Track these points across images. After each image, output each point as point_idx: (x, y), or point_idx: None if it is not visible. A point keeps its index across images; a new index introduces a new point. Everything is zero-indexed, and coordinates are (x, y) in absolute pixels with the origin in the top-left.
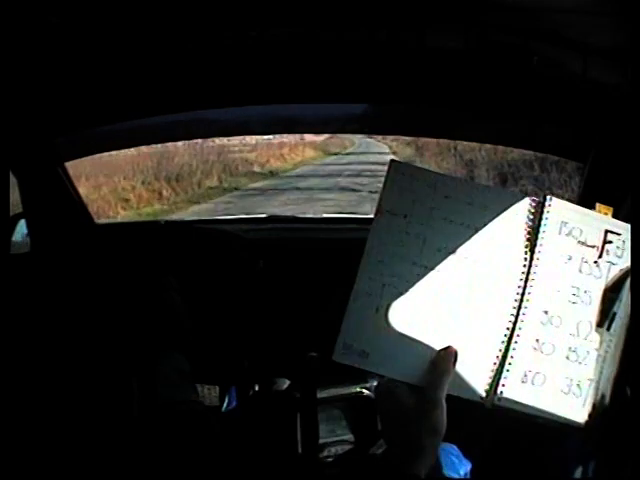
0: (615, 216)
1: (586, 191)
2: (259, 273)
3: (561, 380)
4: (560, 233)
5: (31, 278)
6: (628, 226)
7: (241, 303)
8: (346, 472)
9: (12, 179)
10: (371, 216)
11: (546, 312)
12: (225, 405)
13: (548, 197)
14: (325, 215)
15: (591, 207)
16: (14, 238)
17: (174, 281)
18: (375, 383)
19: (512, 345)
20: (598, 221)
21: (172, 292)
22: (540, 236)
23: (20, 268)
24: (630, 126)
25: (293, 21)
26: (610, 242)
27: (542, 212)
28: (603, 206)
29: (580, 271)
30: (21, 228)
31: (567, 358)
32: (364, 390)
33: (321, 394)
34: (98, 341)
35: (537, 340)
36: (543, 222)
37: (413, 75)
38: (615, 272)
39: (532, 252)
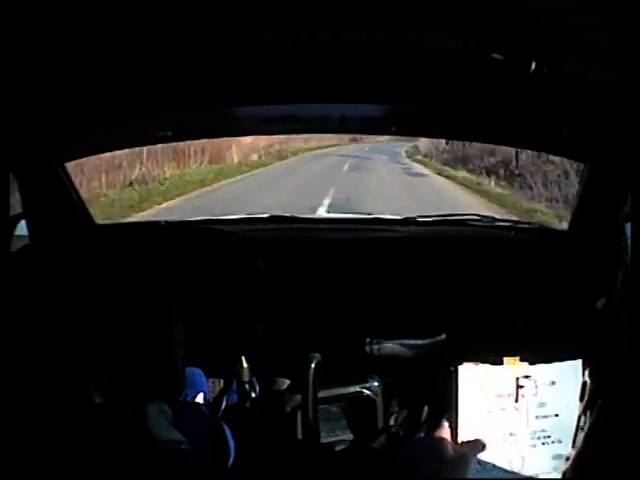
0: (615, 216)
1: (586, 191)
2: (259, 273)
3: None
4: (476, 393)
5: (31, 278)
6: (536, 367)
7: (241, 303)
8: (346, 471)
9: (12, 179)
10: (371, 216)
11: (479, 463)
12: (225, 402)
13: (459, 366)
14: (325, 215)
15: (592, 206)
16: (14, 238)
17: (173, 277)
18: (375, 383)
19: None
20: (508, 372)
21: (171, 288)
22: (459, 399)
23: (20, 268)
24: (630, 126)
25: (293, 21)
26: (522, 386)
27: (457, 378)
28: (510, 358)
29: (501, 419)
30: (21, 228)
31: None
32: (364, 390)
33: (321, 394)
34: (95, 341)
35: None
36: (459, 387)
37: (413, 75)
38: (534, 408)
39: (456, 413)
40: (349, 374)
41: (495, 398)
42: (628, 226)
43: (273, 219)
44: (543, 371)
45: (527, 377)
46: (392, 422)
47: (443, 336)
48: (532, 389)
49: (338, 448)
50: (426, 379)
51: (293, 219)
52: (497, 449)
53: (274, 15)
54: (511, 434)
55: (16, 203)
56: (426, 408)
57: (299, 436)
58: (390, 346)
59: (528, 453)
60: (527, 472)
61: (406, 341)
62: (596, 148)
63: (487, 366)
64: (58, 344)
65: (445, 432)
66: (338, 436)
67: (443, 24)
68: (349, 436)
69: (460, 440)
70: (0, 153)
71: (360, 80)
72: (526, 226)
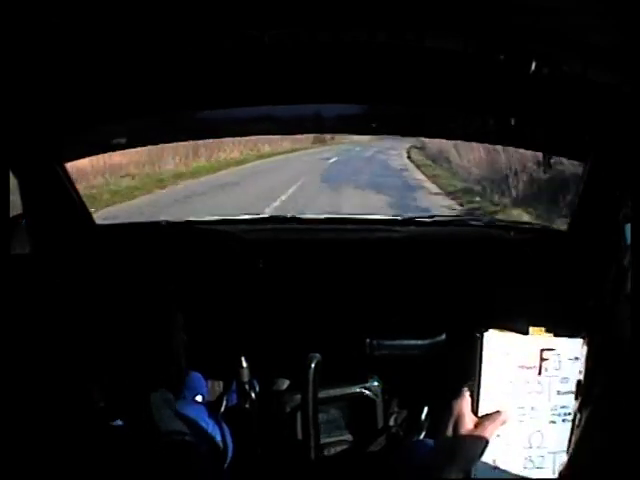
0: (615, 216)
1: (586, 191)
2: (259, 273)
3: None
4: (500, 362)
5: (31, 278)
6: (561, 340)
7: (241, 303)
8: (346, 471)
9: (12, 179)
10: (371, 216)
11: (498, 436)
12: (225, 402)
13: (485, 333)
14: (325, 215)
15: (592, 206)
16: (14, 238)
17: (173, 277)
18: (375, 383)
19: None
20: (533, 343)
21: (171, 288)
22: (483, 367)
23: (20, 268)
24: (630, 126)
25: (293, 21)
26: (546, 359)
27: (481, 346)
28: (536, 328)
29: (523, 391)
30: (21, 228)
31: (524, 468)
32: (364, 390)
33: (321, 394)
34: (96, 340)
35: (494, 460)
36: (484, 354)
37: (413, 75)
38: (556, 383)
39: (479, 382)
40: (349, 374)
41: (518, 369)
42: (628, 226)
43: (273, 219)
44: (567, 345)
45: (551, 350)
46: (392, 422)
47: (443, 336)
48: (556, 363)
49: (338, 448)
50: (426, 379)
51: (293, 219)
52: (517, 424)
53: (274, 15)
54: (532, 408)
55: (16, 203)
56: (426, 408)
57: (299, 436)
58: (390, 346)
59: (547, 429)
60: (545, 449)
61: (406, 341)
62: (596, 148)
63: (513, 334)
64: (58, 343)
65: (466, 402)
66: (338, 436)
67: (443, 24)
68: (349, 436)
69: (480, 411)
70: (0, 153)
71: (360, 80)
72: (526, 226)
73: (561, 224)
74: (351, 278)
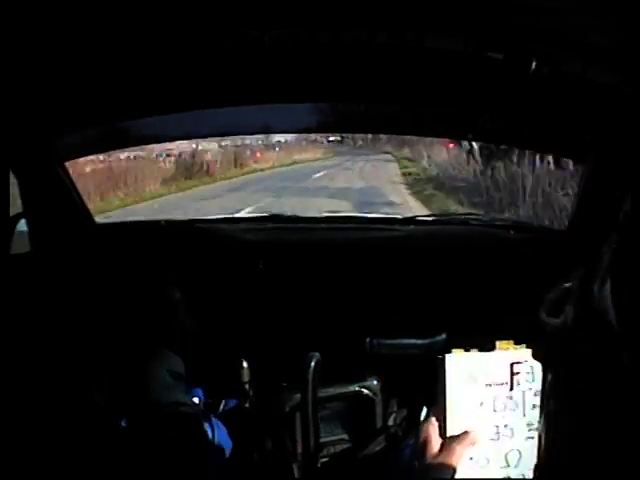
0: (615, 216)
1: (586, 191)
2: (259, 273)
3: None
4: (465, 384)
5: (31, 278)
6: (530, 352)
7: (241, 302)
8: (345, 470)
9: (12, 179)
10: (371, 216)
11: (471, 458)
12: (223, 405)
13: (447, 355)
14: (326, 214)
15: (592, 206)
16: (14, 238)
17: (173, 276)
18: (374, 382)
19: None
20: (501, 358)
21: (171, 288)
22: (447, 390)
23: (20, 268)
24: (630, 126)
25: (293, 21)
26: (517, 373)
27: (443, 369)
28: (503, 342)
29: (495, 410)
30: (21, 228)
31: None
32: (363, 389)
33: (321, 394)
34: (96, 340)
35: None
36: (447, 378)
37: (413, 75)
38: (530, 396)
39: (444, 406)
40: (348, 373)
41: (487, 388)
42: (628, 226)
43: (273, 218)
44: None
45: (522, 362)
46: (391, 421)
47: (443, 336)
48: (528, 375)
49: (337, 447)
50: (422, 377)
51: (293, 219)
52: (491, 443)
53: (274, 15)
54: (506, 426)
55: (16, 203)
56: (423, 407)
57: (298, 435)
58: (390, 346)
59: (525, 446)
60: (524, 468)
61: (406, 340)
62: (596, 148)
63: (477, 353)
64: (58, 343)
65: (432, 428)
66: (337, 435)
67: (443, 24)
68: (348, 435)
69: (448, 434)
70: (0, 153)
71: (360, 80)
72: (526, 226)
73: (561, 224)
74: (351, 277)
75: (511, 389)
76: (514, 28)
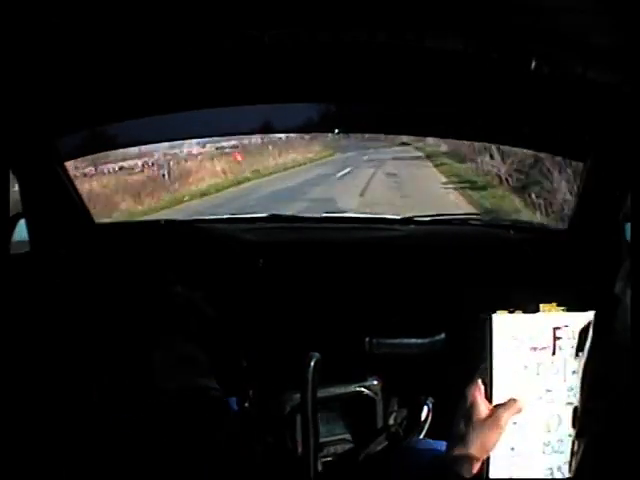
0: (615, 216)
1: (586, 191)
2: (259, 272)
3: (543, 471)
4: (511, 345)
5: (31, 278)
6: (574, 316)
7: (241, 303)
8: (345, 470)
9: (12, 179)
10: (371, 216)
11: (515, 423)
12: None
13: (493, 315)
14: (325, 214)
15: (592, 206)
16: (14, 238)
17: (173, 276)
18: (375, 382)
19: (490, 460)
20: (544, 322)
21: (171, 288)
22: (494, 352)
23: (20, 268)
24: (630, 126)
25: (293, 21)
26: (560, 338)
27: (490, 330)
28: (546, 305)
29: (538, 374)
30: (21, 228)
31: (543, 453)
32: (363, 389)
33: (321, 394)
34: (97, 341)
35: (512, 449)
36: (494, 339)
37: (413, 75)
38: (572, 361)
39: (491, 369)
40: (349, 373)
41: (531, 351)
42: (628, 226)
43: (273, 218)
44: (581, 320)
45: (564, 327)
46: (392, 421)
47: (443, 335)
48: (570, 341)
49: (337, 447)
50: (426, 378)
51: (293, 218)
52: (534, 408)
53: (274, 15)
54: (548, 391)
55: (16, 203)
56: (426, 407)
57: (298, 435)
58: (390, 345)
59: (565, 411)
60: (563, 433)
61: (406, 340)
62: (596, 148)
63: (521, 314)
64: (58, 344)
65: (478, 390)
66: (338, 435)
67: (443, 24)
68: (348, 435)
69: (494, 398)
70: (0, 153)
71: (360, 80)
72: (526, 226)
73: (561, 224)
74: (351, 277)
75: (553, 354)
76: (514, 28)
